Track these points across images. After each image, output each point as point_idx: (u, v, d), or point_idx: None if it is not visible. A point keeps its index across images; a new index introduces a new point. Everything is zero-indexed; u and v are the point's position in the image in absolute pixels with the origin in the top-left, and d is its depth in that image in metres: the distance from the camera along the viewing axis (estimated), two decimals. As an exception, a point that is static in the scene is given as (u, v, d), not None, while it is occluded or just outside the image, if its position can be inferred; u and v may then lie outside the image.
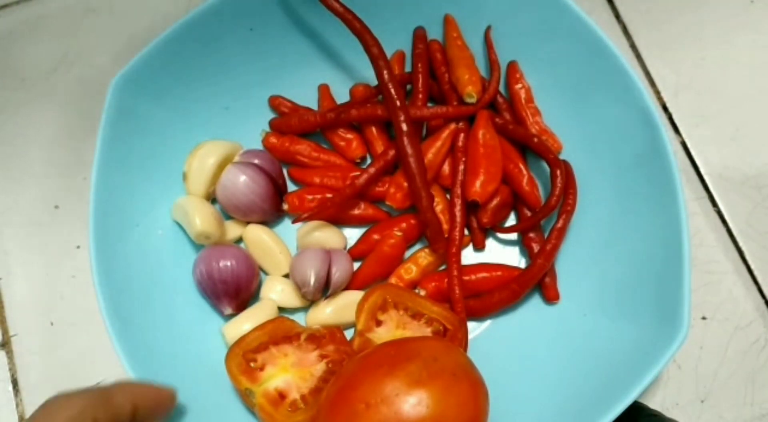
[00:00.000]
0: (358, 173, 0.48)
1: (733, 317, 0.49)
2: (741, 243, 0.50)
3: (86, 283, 0.49)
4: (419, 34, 0.50)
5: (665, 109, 0.53)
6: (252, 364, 0.42)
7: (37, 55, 0.54)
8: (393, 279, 0.47)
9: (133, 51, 0.45)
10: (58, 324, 0.49)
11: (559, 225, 0.46)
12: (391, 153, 0.47)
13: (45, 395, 0.47)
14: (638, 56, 0.54)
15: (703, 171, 0.52)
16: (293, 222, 0.47)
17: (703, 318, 0.49)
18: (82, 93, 0.53)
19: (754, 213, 0.51)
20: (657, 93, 0.53)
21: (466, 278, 0.46)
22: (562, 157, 0.48)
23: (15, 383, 0.48)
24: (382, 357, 0.39)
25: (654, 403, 0.47)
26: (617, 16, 0.55)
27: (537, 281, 0.46)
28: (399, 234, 0.47)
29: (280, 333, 0.43)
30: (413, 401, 0.35)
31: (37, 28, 0.55)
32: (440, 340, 0.42)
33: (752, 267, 0.50)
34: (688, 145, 0.52)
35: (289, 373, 0.42)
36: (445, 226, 0.47)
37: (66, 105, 0.53)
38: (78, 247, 0.50)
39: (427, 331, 0.44)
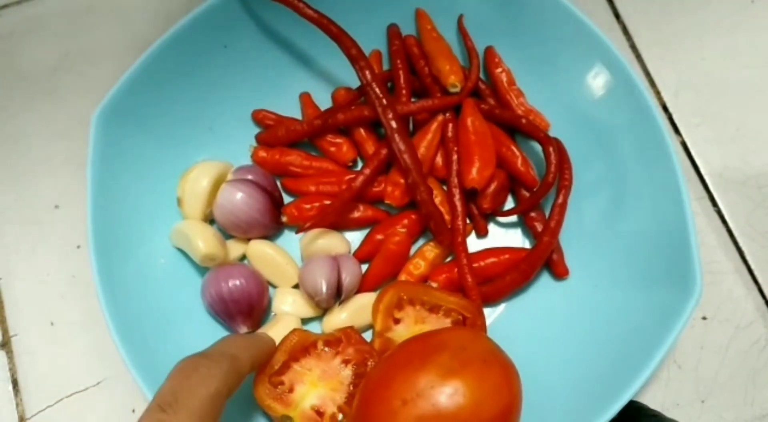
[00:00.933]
0: (353, 176, 0.48)
1: (733, 317, 0.49)
2: (741, 243, 0.50)
3: (86, 283, 0.49)
4: (393, 31, 0.50)
5: (665, 109, 0.53)
6: (280, 388, 0.41)
7: (38, 55, 0.54)
8: (403, 276, 0.47)
9: (134, 51, 0.45)
10: (58, 324, 0.49)
11: (560, 200, 0.46)
12: (384, 152, 0.47)
13: (45, 395, 0.48)
14: (638, 56, 0.54)
15: (703, 171, 0.52)
16: (297, 232, 0.46)
17: (704, 318, 0.49)
18: (82, 93, 0.53)
19: (754, 214, 0.51)
20: (657, 93, 0.53)
21: (475, 265, 0.47)
22: (551, 134, 0.48)
23: (15, 383, 0.48)
24: (410, 353, 0.39)
25: (654, 403, 0.47)
26: (617, 16, 0.55)
27: (545, 259, 0.46)
28: (403, 231, 0.47)
29: (298, 347, 0.42)
30: (449, 391, 0.36)
31: (38, 28, 0.55)
32: (464, 329, 0.42)
33: (752, 267, 0.50)
34: (688, 144, 0.52)
35: (319, 388, 0.41)
36: (447, 217, 0.47)
37: (67, 105, 0.53)
38: (78, 247, 0.50)
39: (447, 322, 0.44)
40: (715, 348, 0.48)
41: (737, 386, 0.47)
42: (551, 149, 0.46)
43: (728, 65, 0.54)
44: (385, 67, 0.51)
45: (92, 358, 0.48)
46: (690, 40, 0.55)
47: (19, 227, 0.51)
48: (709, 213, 0.51)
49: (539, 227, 0.47)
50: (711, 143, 0.52)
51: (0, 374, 0.48)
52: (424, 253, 0.47)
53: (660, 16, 0.55)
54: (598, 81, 0.46)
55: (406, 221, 0.47)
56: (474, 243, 0.49)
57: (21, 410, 0.47)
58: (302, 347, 0.42)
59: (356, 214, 0.48)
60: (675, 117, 0.53)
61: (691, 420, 0.47)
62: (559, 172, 0.46)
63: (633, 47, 0.54)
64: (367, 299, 0.46)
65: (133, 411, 0.47)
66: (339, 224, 0.48)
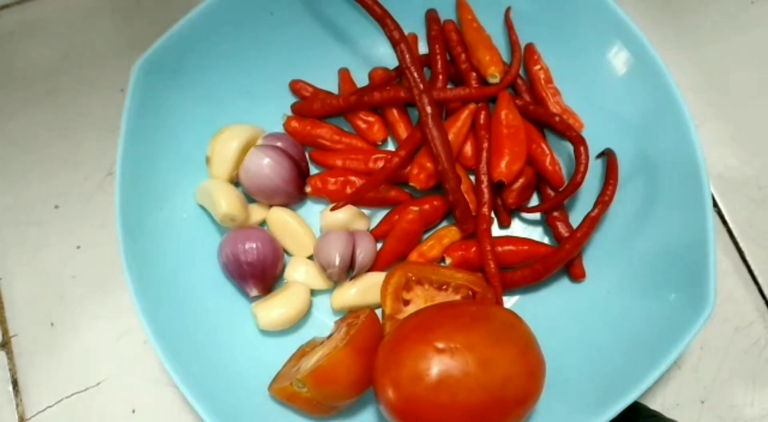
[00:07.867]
0: (382, 155, 0.48)
1: (733, 318, 0.49)
2: (741, 243, 0.50)
3: (86, 283, 0.49)
4: (432, 16, 0.51)
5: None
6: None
7: (38, 56, 0.54)
8: (414, 256, 0.47)
9: (134, 51, 0.45)
10: (58, 324, 0.49)
11: (594, 213, 0.46)
12: (419, 135, 0.47)
13: (45, 395, 0.48)
14: (639, 57, 0.54)
15: (703, 171, 0.52)
16: (331, 209, 0.47)
17: (704, 318, 0.49)
18: (82, 93, 0.53)
19: (754, 214, 0.51)
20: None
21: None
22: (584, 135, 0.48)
23: (15, 383, 0.48)
24: (462, 310, 0.40)
25: (654, 403, 0.47)
26: (618, 17, 0.55)
27: (562, 265, 0.46)
28: (416, 209, 0.47)
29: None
30: (491, 355, 0.37)
31: (38, 29, 0.55)
32: (515, 313, 0.42)
33: (752, 267, 0.50)
34: (689, 145, 0.52)
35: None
36: (471, 206, 0.47)
37: (66, 105, 0.53)
38: (78, 247, 0.50)
39: (457, 298, 0.44)
40: (715, 348, 0.48)
41: (737, 386, 0.47)
42: (582, 149, 0.46)
43: (728, 65, 0.54)
44: (421, 50, 0.51)
45: (92, 358, 0.48)
46: (690, 41, 0.55)
47: (19, 227, 0.51)
48: (709, 213, 0.51)
49: (560, 227, 0.47)
50: (711, 143, 0.52)
51: (0, 374, 0.48)
52: (440, 237, 0.47)
53: (660, 17, 0.55)
54: (636, 86, 0.46)
55: (426, 206, 0.48)
56: (495, 233, 0.49)
57: (21, 410, 0.47)
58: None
59: (379, 193, 0.48)
60: (675, 117, 0.53)
61: (690, 420, 0.47)
62: (604, 185, 0.46)
63: (633, 48, 0.54)
64: (378, 278, 0.46)
65: (133, 411, 0.47)
66: (361, 201, 0.48)
